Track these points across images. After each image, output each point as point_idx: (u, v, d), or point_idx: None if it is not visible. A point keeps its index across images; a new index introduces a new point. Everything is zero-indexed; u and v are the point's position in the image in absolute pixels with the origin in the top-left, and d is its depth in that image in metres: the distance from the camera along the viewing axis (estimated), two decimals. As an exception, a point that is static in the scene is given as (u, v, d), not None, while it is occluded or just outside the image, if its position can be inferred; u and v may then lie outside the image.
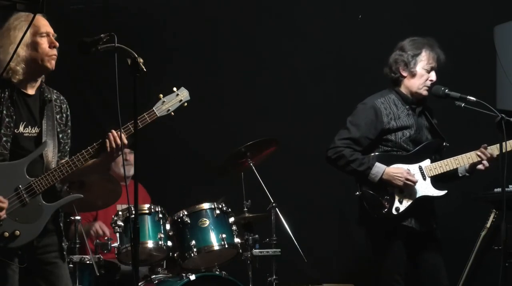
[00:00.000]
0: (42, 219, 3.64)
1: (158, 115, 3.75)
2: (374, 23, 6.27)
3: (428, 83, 4.64)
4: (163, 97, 3.78)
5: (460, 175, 4.72)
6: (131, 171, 5.36)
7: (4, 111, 3.61)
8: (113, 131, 3.66)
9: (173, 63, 6.44)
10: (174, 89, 3.83)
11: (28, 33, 3.62)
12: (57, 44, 3.71)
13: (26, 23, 3.63)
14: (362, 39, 6.26)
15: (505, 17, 5.80)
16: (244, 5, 6.50)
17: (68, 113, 3.88)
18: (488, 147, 4.59)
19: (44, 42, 3.67)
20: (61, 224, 3.82)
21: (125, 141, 3.68)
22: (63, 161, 3.72)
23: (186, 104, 3.84)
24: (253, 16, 6.52)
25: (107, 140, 3.65)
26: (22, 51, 3.62)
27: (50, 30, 3.71)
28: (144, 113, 3.71)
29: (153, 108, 3.75)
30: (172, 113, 3.81)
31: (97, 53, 3.54)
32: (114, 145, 3.65)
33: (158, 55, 6.23)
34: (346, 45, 6.34)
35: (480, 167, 4.61)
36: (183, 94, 3.84)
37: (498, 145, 4.50)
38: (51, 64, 3.69)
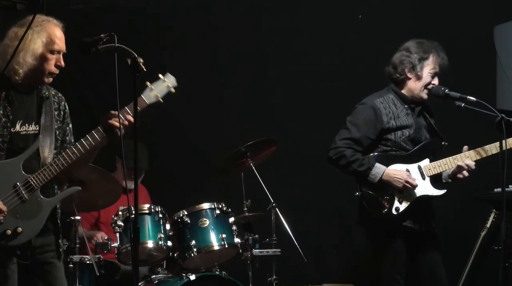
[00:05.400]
0: (42, 215, 3.65)
1: (148, 103, 3.69)
2: (374, 23, 6.27)
3: (430, 86, 4.65)
4: (151, 84, 3.75)
5: (443, 181, 4.72)
6: (132, 185, 5.34)
7: (1, 111, 3.62)
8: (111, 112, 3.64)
9: (173, 63, 6.43)
10: (160, 75, 3.76)
11: (41, 43, 3.63)
12: (63, 64, 3.71)
13: (44, 34, 3.64)
14: (362, 39, 6.26)
15: (505, 17, 5.80)
16: (244, 4, 6.50)
17: (67, 110, 3.87)
18: (481, 148, 4.60)
19: (52, 59, 3.67)
20: (59, 222, 3.82)
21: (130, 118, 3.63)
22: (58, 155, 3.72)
23: (173, 90, 3.78)
24: (253, 16, 6.52)
25: (110, 118, 3.60)
26: (29, 59, 3.62)
27: (63, 47, 3.71)
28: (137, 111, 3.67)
29: (142, 95, 3.68)
30: (161, 100, 3.75)
31: (97, 53, 3.55)
32: (116, 123, 3.60)
33: (158, 55, 6.23)
34: (346, 45, 6.34)
35: (459, 176, 4.62)
36: (170, 80, 3.78)
37: (496, 144, 4.51)
38: (49, 80, 3.72)
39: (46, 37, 3.65)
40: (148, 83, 3.72)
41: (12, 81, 3.65)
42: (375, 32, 6.21)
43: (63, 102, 3.87)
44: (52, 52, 3.66)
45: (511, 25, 5.72)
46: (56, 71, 3.70)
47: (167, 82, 3.76)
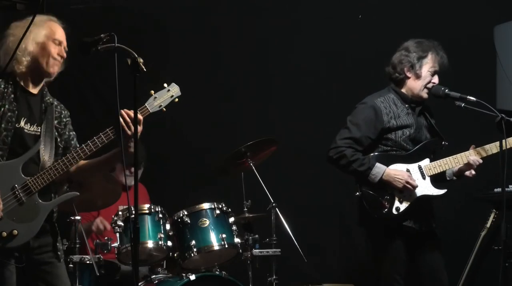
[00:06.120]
0: (39, 218, 3.65)
1: (151, 111, 3.75)
2: (374, 23, 6.27)
3: (430, 85, 4.65)
4: (155, 93, 3.78)
5: (448, 179, 4.72)
6: (132, 182, 5.34)
7: (7, 106, 3.64)
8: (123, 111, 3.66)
9: (173, 63, 6.44)
10: (165, 85, 3.82)
11: (42, 34, 3.69)
12: (65, 55, 3.74)
13: (45, 26, 3.70)
14: (362, 39, 6.26)
15: (505, 17, 5.80)
16: (244, 4, 6.50)
17: (69, 119, 3.90)
18: (481, 147, 4.60)
19: (53, 48, 3.72)
20: (56, 223, 3.82)
21: (140, 117, 3.66)
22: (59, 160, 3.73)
23: (177, 99, 3.84)
24: (253, 16, 6.52)
25: (121, 119, 3.63)
26: (31, 47, 3.67)
27: (64, 40, 3.75)
28: (137, 110, 3.69)
29: (145, 104, 3.74)
30: (164, 109, 3.80)
31: (97, 53, 3.55)
32: (128, 119, 3.62)
33: (158, 55, 6.23)
34: (346, 45, 6.34)
35: (467, 174, 4.63)
36: (174, 90, 3.83)
37: (496, 143, 4.52)
38: (54, 69, 3.74)
39: (47, 29, 3.72)
40: (152, 92, 3.77)
41: (18, 73, 3.67)
42: (375, 32, 6.21)
43: (65, 112, 3.90)
44: (53, 41, 3.70)
45: (511, 25, 5.72)
46: (59, 59, 3.73)
47: (171, 92, 3.81)
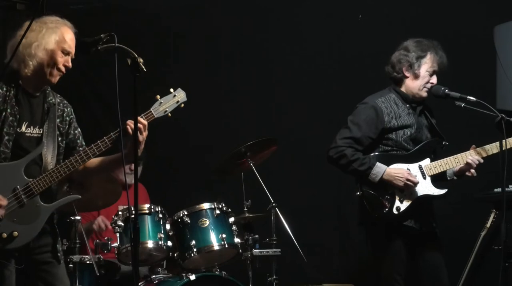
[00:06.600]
0: (40, 220, 3.65)
1: (156, 116, 3.77)
2: (374, 23, 6.26)
3: (429, 85, 4.65)
4: (160, 98, 3.79)
5: (448, 178, 4.72)
6: (132, 180, 5.34)
7: (8, 110, 3.63)
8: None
9: (173, 63, 6.44)
10: (171, 90, 3.83)
11: (53, 40, 3.67)
12: (70, 65, 3.74)
13: (58, 31, 3.69)
14: (362, 39, 6.26)
15: (505, 17, 5.80)
16: (244, 5, 6.50)
17: (72, 116, 3.90)
18: (481, 147, 4.60)
19: (60, 58, 3.71)
20: (56, 226, 3.82)
21: (145, 122, 3.68)
22: (71, 157, 3.73)
23: (182, 105, 3.85)
24: (253, 16, 6.52)
25: (128, 127, 3.65)
26: (40, 53, 3.66)
27: (72, 50, 3.75)
28: (142, 114, 3.71)
29: (151, 109, 3.76)
30: (169, 114, 3.82)
31: (97, 53, 3.55)
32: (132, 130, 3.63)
33: (157, 55, 6.23)
34: (346, 45, 6.34)
35: (468, 173, 4.63)
36: (180, 95, 3.85)
37: (497, 143, 4.52)
38: (55, 79, 3.74)
39: (59, 35, 3.70)
40: (158, 96, 3.78)
41: (22, 75, 3.66)
42: (375, 32, 6.20)
43: (68, 109, 3.89)
44: (62, 51, 3.70)
45: (511, 25, 5.72)
46: (63, 70, 3.73)
47: (177, 97, 3.83)
